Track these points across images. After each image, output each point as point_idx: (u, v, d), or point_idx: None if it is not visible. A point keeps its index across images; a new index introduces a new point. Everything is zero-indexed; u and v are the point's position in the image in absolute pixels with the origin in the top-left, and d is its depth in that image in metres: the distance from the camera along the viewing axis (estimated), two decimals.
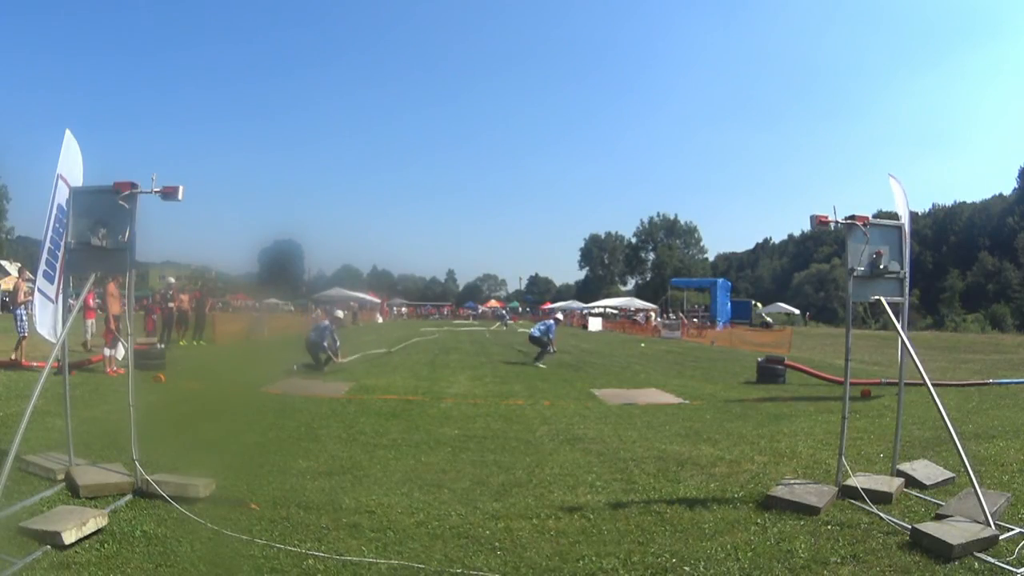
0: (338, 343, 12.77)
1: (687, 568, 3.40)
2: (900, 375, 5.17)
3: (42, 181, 4.87)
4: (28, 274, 18.35)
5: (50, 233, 4.59)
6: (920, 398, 4.50)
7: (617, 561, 3.47)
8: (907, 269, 4.83)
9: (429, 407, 8.50)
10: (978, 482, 3.91)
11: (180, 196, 4.37)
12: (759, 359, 12.64)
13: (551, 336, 15.44)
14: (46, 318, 4.84)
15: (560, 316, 18.33)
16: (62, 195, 4.51)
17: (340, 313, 14.06)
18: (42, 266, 4.73)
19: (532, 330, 16.40)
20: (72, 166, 4.66)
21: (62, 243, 4.50)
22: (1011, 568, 3.32)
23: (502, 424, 7.41)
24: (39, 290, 4.82)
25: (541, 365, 14.68)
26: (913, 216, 5.10)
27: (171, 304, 18.49)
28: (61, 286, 4.83)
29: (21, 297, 12.06)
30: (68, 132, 4.61)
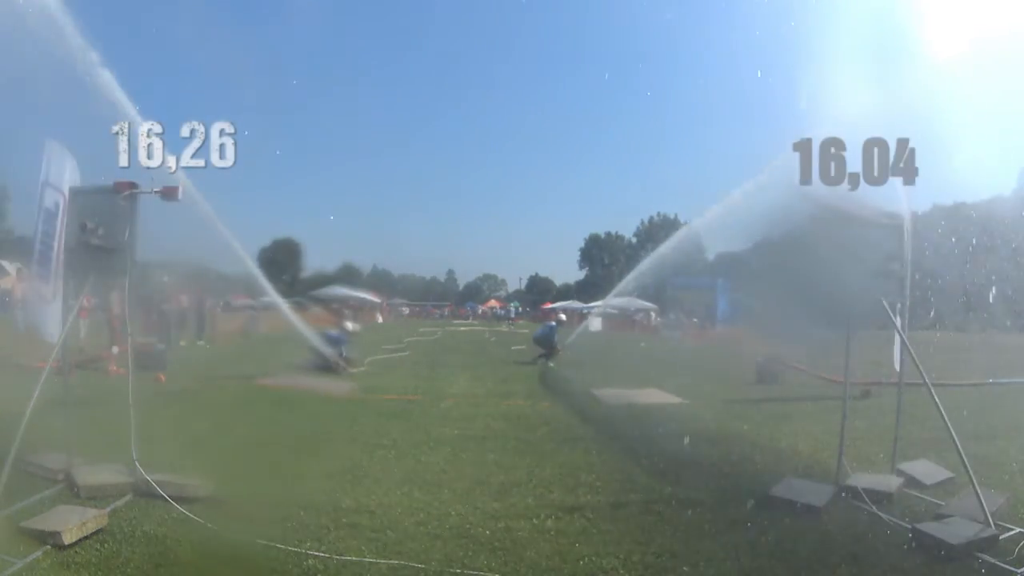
0: (344, 354, 12.35)
1: (687, 568, 3.40)
2: (900, 375, 5.16)
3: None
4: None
5: (40, 235, 4.58)
6: (920, 398, 4.50)
7: (617, 561, 3.47)
8: (907, 269, 4.82)
9: (429, 407, 8.49)
10: (978, 482, 3.91)
11: (179, 196, 4.37)
12: (759, 359, 12.59)
13: (554, 340, 15.32)
14: (44, 318, 4.84)
15: (563, 316, 17.60)
16: (50, 199, 4.52)
17: (350, 325, 13.54)
18: (35, 267, 4.73)
19: (536, 332, 16.20)
20: (60, 172, 4.65)
21: (54, 244, 4.50)
22: (1011, 568, 3.32)
23: (502, 424, 7.40)
24: (35, 290, 4.82)
25: (550, 364, 14.49)
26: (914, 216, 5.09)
27: (165, 305, 18.21)
28: (60, 286, 4.82)
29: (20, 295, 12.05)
30: (49, 141, 4.63)
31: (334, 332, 12.80)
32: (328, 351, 12.09)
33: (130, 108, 5.35)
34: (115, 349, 10.97)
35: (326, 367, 11.95)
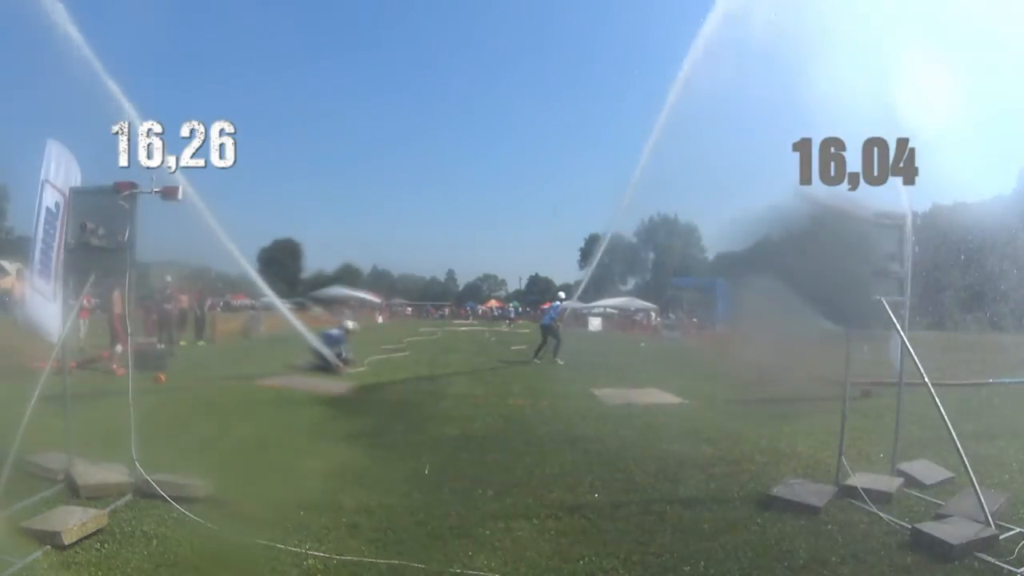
0: (344, 354, 12.32)
1: (687, 568, 3.40)
2: (900, 375, 5.17)
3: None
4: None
5: (40, 234, 4.60)
6: (920, 398, 4.51)
7: (617, 561, 3.47)
8: (907, 269, 4.82)
9: (429, 407, 8.50)
10: (978, 482, 3.91)
11: (180, 196, 4.38)
12: (759, 359, 12.56)
13: (557, 321, 14.71)
14: (44, 318, 4.84)
15: (563, 295, 16.93)
16: (49, 199, 4.54)
17: (350, 324, 13.40)
18: (36, 266, 4.75)
19: (544, 319, 15.47)
20: (60, 171, 4.67)
21: (54, 243, 4.52)
22: (1011, 568, 3.33)
23: (502, 424, 7.41)
24: (35, 290, 4.83)
25: (559, 361, 14.18)
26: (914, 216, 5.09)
27: (167, 304, 18.19)
28: (60, 286, 4.83)
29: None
30: (51, 141, 4.65)
31: (334, 331, 12.75)
32: (327, 351, 12.07)
33: (130, 108, 5.37)
34: (119, 349, 10.98)
35: (325, 367, 11.94)
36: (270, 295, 14.13)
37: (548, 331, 14.85)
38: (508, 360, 16.59)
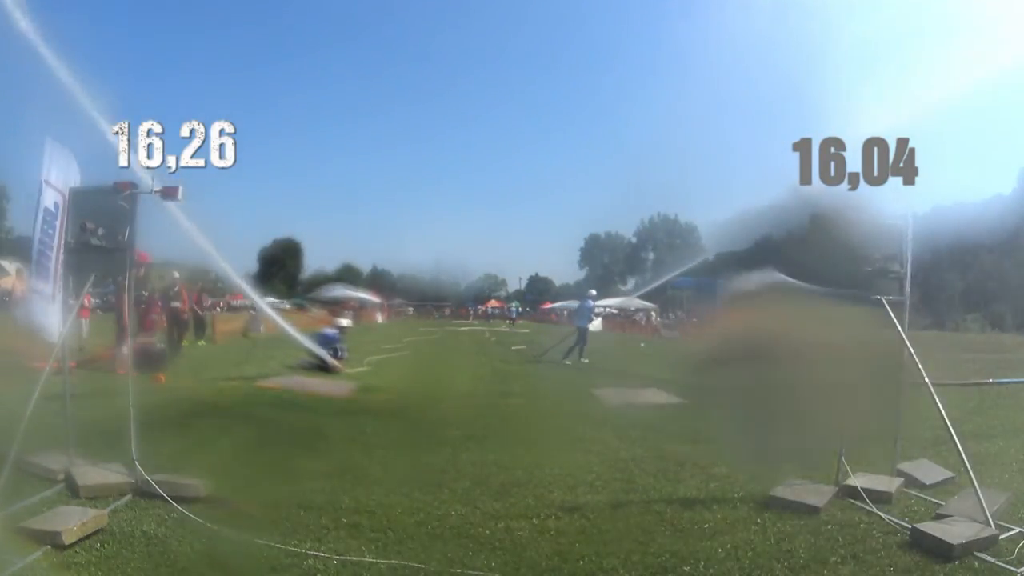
0: (341, 354, 12.29)
1: (687, 568, 3.40)
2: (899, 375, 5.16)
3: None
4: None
5: (39, 235, 4.61)
6: (920, 398, 4.52)
7: (617, 561, 3.47)
8: (907, 269, 4.82)
9: (429, 407, 8.50)
10: (978, 482, 3.91)
11: (180, 196, 4.38)
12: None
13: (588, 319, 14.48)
14: (44, 318, 4.85)
15: (594, 292, 16.63)
16: (48, 199, 4.55)
17: (345, 322, 13.40)
18: (35, 266, 4.75)
19: (579, 321, 15.14)
20: (59, 171, 4.68)
21: (53, 243, 4.53)
22: (1011, 567, 3.33)
23: (502, 424, 7.41)
24: (34, 290, 4.84)
25: (585, 360, 13.92)
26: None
27: (175, 304, 17.98)
28: (60, 285, 4.84)
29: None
30: (49, 140, 4.66)
31: (328, 331, 12.73)
32: (322, 351, 12.07)
33: (129, 108, 5.38)
34: (125, 349, 10.94)
35: (323, 367, 11.92)
36: (256, 299, 14.14)
37: (584, 331, 14.72)
38: (508, 360, 16.58)
